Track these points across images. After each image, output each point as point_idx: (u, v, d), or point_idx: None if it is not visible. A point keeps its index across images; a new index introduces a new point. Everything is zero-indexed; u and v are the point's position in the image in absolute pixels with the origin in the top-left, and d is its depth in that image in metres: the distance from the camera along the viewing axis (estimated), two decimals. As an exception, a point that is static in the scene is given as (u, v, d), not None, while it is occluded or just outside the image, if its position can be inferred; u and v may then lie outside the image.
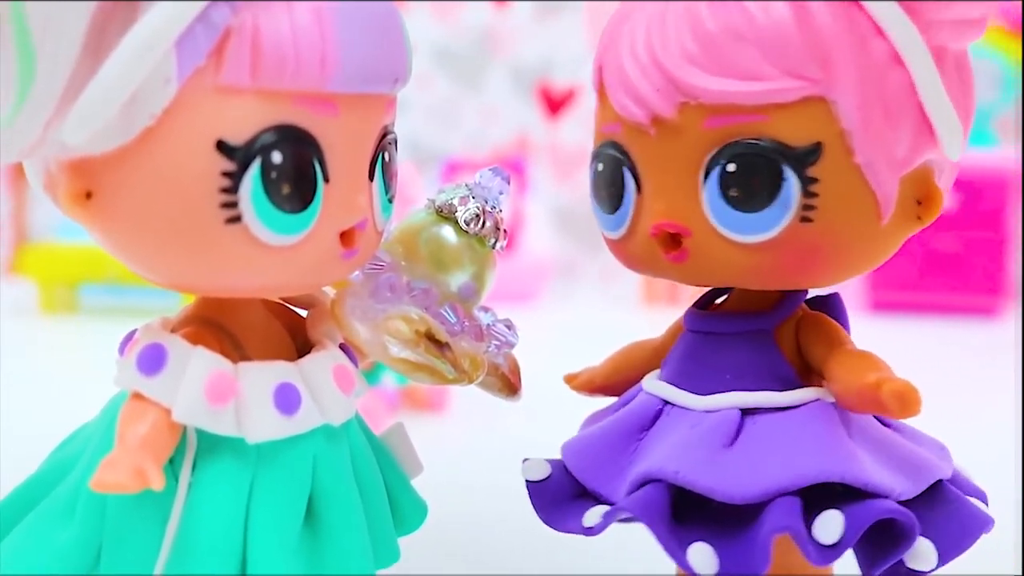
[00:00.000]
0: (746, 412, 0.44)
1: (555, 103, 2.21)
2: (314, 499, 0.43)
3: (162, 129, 0.37)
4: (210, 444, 0.41)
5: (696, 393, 0.46)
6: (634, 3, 0.45)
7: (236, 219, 0.38)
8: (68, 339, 1.45)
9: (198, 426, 0.40)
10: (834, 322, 0.47)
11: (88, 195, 0.38)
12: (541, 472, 0.49)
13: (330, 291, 0.47)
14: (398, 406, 0.98)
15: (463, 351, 0.46)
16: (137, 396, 0.39)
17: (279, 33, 0.37)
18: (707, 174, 0.42)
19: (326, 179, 0.40)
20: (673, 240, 0.44)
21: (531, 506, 0.48)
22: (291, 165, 0.38)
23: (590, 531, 0.44)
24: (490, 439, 0.94)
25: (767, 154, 0.41)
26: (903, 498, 0.43)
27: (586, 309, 1.89)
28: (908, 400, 0.40)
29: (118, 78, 0.35)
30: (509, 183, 0.50)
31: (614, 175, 0.46)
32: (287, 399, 0.41)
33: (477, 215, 0.48)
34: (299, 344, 0.46)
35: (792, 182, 0.41)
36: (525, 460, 0.49)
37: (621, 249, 0.48)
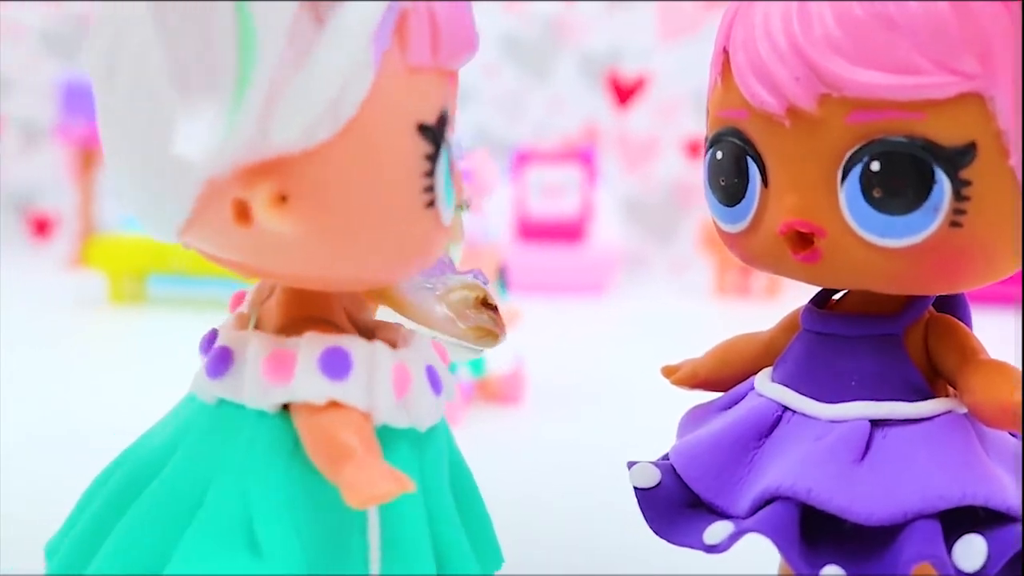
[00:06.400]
0: (875, 423, 0.42)
1: (624, 92, 2.19)
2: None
3: (363, 117, 0.35)
4: (386, 440, 0.39)
5: (819, 400, 0.43)
6: None
7: (433, 202, 0.38)
8: (137, 329, 1.46)
9: (391, 424, 0.39)
10: (965, 327, 0.44)
11: (283, 198, 0.35)
12: (651, 479, 0.46)
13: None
14: (473, 398, 0.98)
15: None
16: (333, 404, 0.37)
17: (445, 11, 0.37)
18: (846, 172, 0.40)
19: None
20: (804, 240, 0.42)
21: (642, 515, 0.46)
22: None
23: (713, 549, 0.42)
24: (564, 430, 0.93)
25: (917, 154, 0.38)
26: None
27: (656, 300, 1.88)
28: None
29: (331, 67, 0.34)
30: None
31: (736, 165, 0.43)
32: (436, 379, 0.41)
33: None
34: None
35: (943, 184, 0.38)
36: (632, 464, 0.47)
37: (740, 244, 0.45)
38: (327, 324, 0.40)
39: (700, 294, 1.90)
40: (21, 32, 2.42)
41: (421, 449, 0.40)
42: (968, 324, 0.45)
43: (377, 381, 0.38)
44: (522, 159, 1.89)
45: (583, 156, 1.86)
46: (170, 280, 1.61)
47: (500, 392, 1.00)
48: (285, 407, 0.38)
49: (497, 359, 0.97)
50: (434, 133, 0.37)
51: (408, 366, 0.39)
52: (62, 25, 2.41)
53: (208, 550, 0.37)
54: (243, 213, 0.35)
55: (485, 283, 0.48)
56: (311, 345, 0.38)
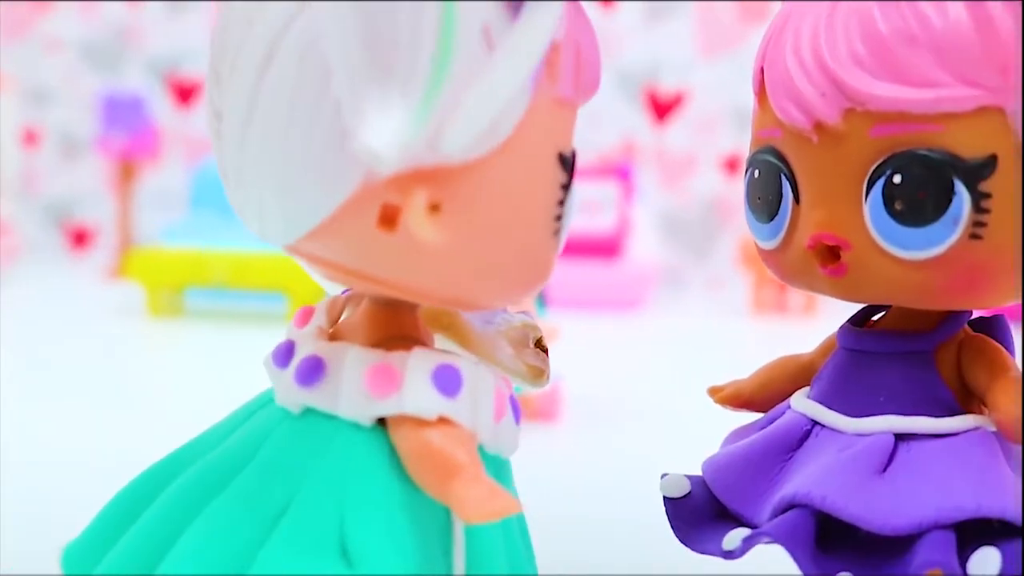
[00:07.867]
0: (900, 437, 0.42)
1: (662, 107, 2.19)
2: None
3: (516, 140, 0.36)
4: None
5: (848, 415, 0.44)
6: (799, 2, 0.43)
7: (558, 231, 0.39)
8: (174, 341, 1.48)
9: (485, 447, 0.39)
10: (998, 346, 0.44)
11: (436, 207, 0.36)
12: (680, 489, 0.47)
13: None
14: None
15: None
16: (442, 420, 0.37)
17: (591, 49, 0.38)
18: (871, 185, 0.40)
19: None
20: (831, 253, 0.42)
21: (669, 525, 0.46)
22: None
23: (730, 555, 0.42)
24: (601, 447, 0.93)
25: (937, 166, 0.39)
26: None
27: (692, 317, 1.88)
28: None
29: (501, 87, 0.34)
30: None
31: (771, 183, 0.44)
32: (517, 409, 0.41)
33: None
34: None
35: (963, 197, 0.39)
36: (664, 475, 0.48)
37: (775, 260, 0.46)
38: (418, 343, 0.40)
39: (736, 311, 1.89)
40: (61, 45, 2.44)
41: (500, 478, 0.41)
42: (1008, 344, 0.45)
43: (481, 402, 0.38)
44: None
45: (620, 172, 1.86)
46: (207, 293, 1.62)
47: (537, 409, 0.99)
48: (378, 421, 0.38)
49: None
50: (569, 164, 0.38)
51: (504, 391, 0.40)
52: (102, 38, 2.43)
53: (299, 555, 0.36)
54: (390, 218, 0.35)
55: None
56: (422, 360, 0.38)
